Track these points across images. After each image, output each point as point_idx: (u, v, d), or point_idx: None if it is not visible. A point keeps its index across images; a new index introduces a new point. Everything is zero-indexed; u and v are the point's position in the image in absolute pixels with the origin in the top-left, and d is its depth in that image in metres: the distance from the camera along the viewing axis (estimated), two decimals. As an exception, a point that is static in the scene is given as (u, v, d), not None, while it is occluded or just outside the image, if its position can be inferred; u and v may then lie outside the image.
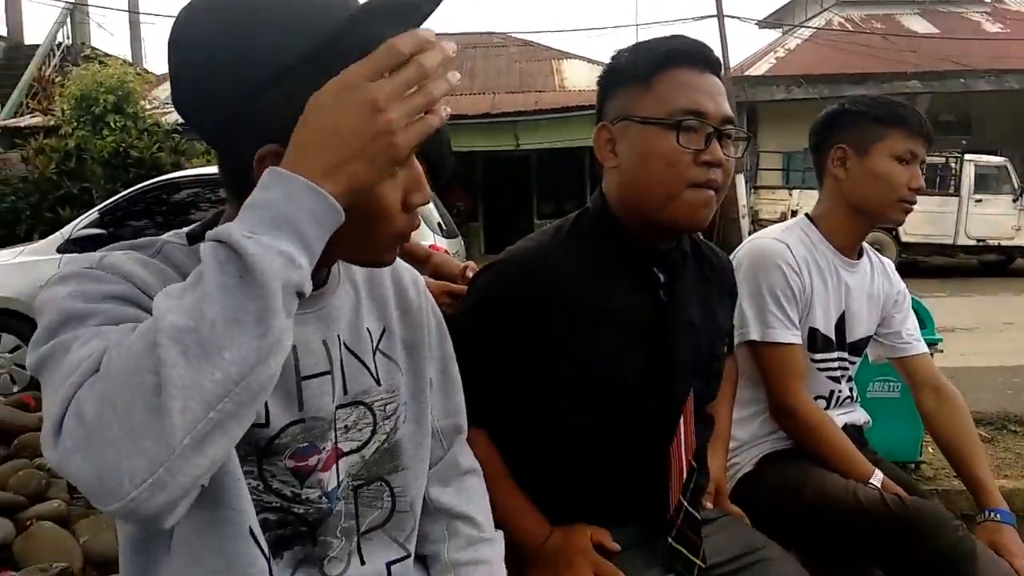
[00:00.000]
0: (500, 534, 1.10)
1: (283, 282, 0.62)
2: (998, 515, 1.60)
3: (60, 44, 15.15)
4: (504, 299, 1.22)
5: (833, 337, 1.72)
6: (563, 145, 14.42)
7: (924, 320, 4.29)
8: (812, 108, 13.22)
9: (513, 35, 18.75)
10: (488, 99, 15.54)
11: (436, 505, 1.06)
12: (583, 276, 1.22)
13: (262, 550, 0.81)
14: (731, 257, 1.58)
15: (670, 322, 1.24)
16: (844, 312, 1.72)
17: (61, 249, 5.25)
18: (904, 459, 3.58)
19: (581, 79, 15.96)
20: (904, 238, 13.37)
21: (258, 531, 0.80)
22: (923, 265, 14.25)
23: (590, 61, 17.52)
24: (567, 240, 1.27)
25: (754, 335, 1.64)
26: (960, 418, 1.76)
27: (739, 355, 1.65)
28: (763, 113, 15.59)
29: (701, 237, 1.41)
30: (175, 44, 0.77)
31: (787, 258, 1.65)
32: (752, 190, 14.12)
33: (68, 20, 15.47)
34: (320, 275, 0.90)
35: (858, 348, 1.78)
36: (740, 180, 14.42)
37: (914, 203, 1.66)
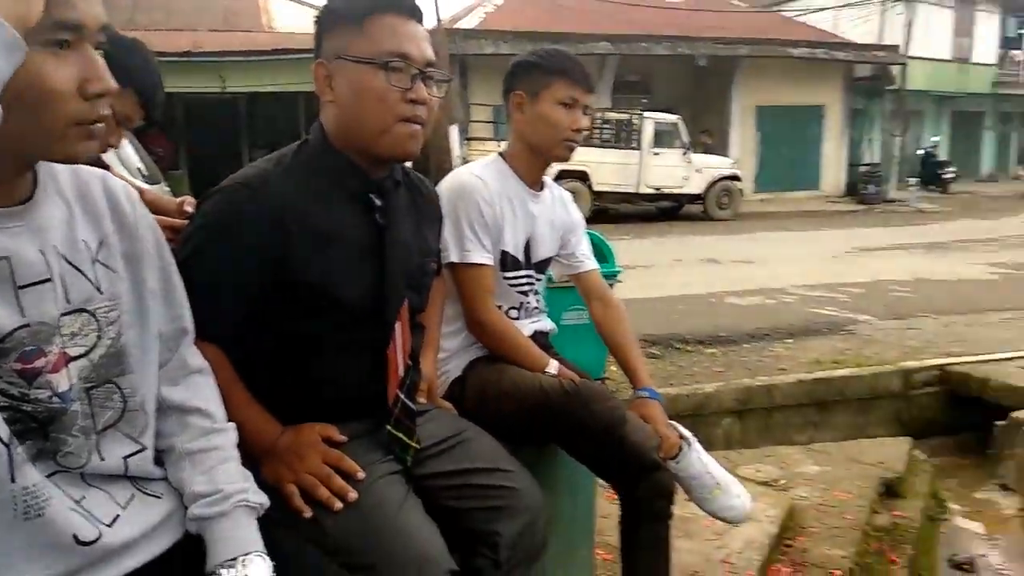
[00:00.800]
0: (232, 425, 1.21)
1: None
2: (647, 393, 2.00)
3: None
4: (234, 221, 1.31)
5: (521, 258, 2.00)
6: (275, 89, 13.85)
7: (607, 256, 4.94)
8: (516, 63, 13.91)
9: (213, -32, 17.33)
10: (188, 36, 14.36)
11: (168, 403, 1.15)
12: (307, 201, 1.35)
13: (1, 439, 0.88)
14: (437, 188, 1.79)
15: (387, 242, 1.41)
16: (530, 236, 2.01)
17: None
18: (593, 376, 4.14)
19: (292, 20, 15.35)
20: (596, 187, 14.79)
21: None
22: (612, 212, 15.88)
23: (299, 2, 16.85)
24: (290, 168, 1.38)
25: (454, 257, 1.86)
26: (621, 321, 2.13)
27: (444, 275, 1.86)
28: (474, 67, 16.17)
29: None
30: None
31: (482, 191, 1.89)
32: (465, 141, 14.68)
33: None
34: (24, 186, 0.96)
35: (542, 267, 2.08)
36: (453, 131, 14.87)
37: (577, 142, 1.93)
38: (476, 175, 1.92)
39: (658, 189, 15.60)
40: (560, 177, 14.14)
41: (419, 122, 1.36)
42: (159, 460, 1.13)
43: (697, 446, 1.96)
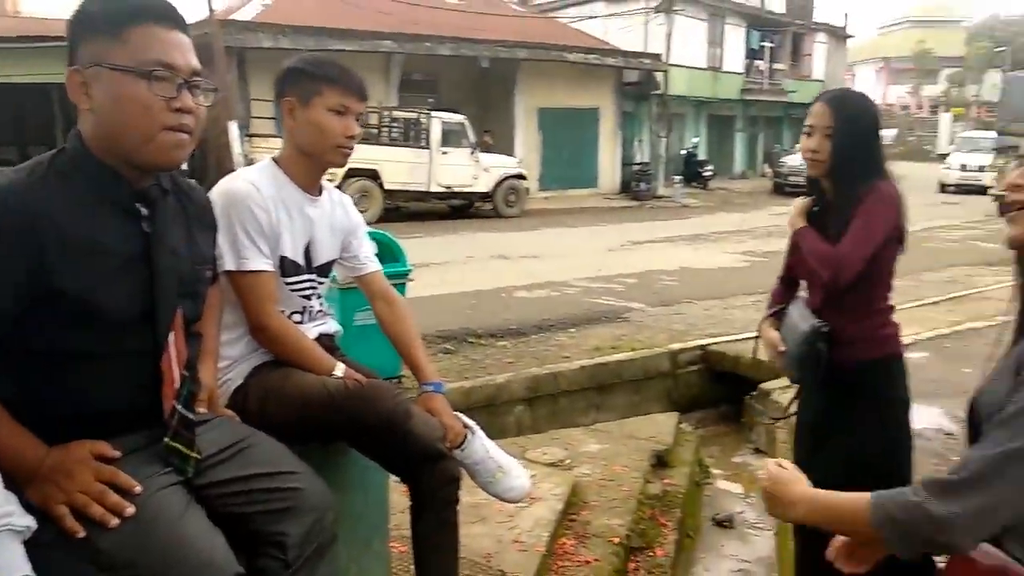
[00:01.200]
0: None
1: None
2: (432, 387, 2.09)
3: None
4: None
5: (302, 262, 2.00)
6: (22, 80, 12.46)
7: (397, 255, 5.01)
8: (298, 60, 13.49)
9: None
10: (-90, 16, 12.55)
11: None
12: (64, 211, 1.29)
13: None
14: (209, 195, 1.75)
15: (155, 250, 1.38)
16: (310, 240, 2.01)
17: None
18: (388, 375, 4.17)
19: (40, 4, 13.87)
20: (387, 186, 14.74)
21: None
22: (404, 210, 15.96)
23: (50, -15, 15.27)
24: (44, 178, 1.31)
25: (230, 265, 1.84)
26: (404, 319, 2.19)
27: (221, 283, 1.83)
28: (253, 60, 15.48)
29: (194, 182, 1.57)
30: None
31: (255, 197, 1.87)
32: (246, 138, 14.07)
33: None
34: None
35: (324, 270, 2.09)
36: (233, 128, 14.20)
37: (350, 149, 1.96)
38: (249, 181, 1.90)
39: (448, 187, 15.85)
40: (351, 175, 13.99)
41: (186, 131, 1.35)
42: None
43: (480, 433, 2.08)
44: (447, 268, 9.82)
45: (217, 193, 1.86)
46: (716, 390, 6.24)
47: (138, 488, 1.30)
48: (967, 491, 1.10)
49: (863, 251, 2.03)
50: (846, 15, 32.32)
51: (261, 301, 1.87)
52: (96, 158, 1.34)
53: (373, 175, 14.46)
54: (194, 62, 1.37)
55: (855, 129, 2.08)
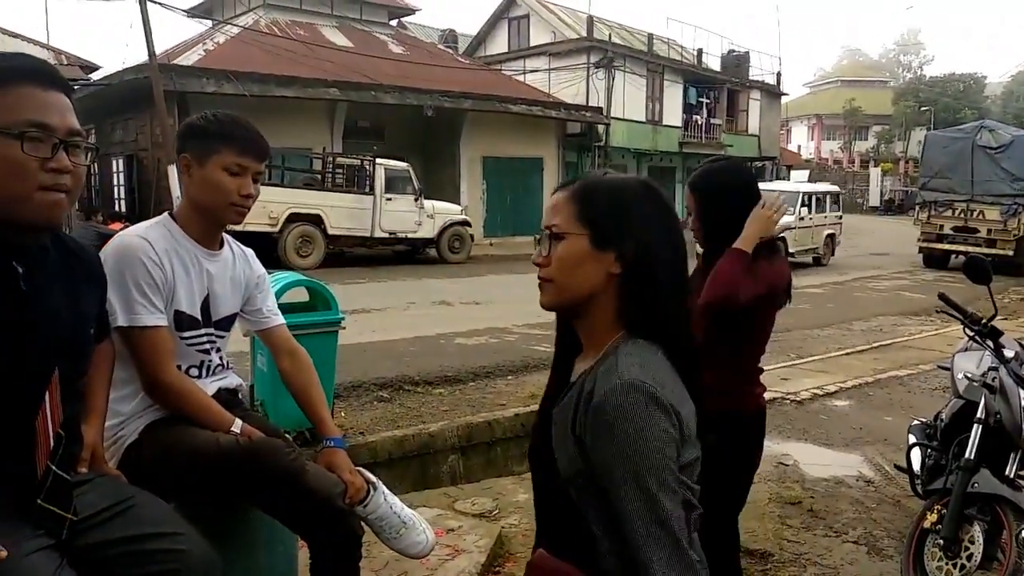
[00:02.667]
0: None
1: None
2: (332, 442, 2.06)
3: None
4: None
5: (199, 316, 1.97)
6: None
7: (330, 303, 4.96)
8: (242, 104, 13.46)
9: None
10: None
11: None
12: None
13: None
14: (100, 252, 1.73)
15: (29, 311, 1.35)
16: (208, 294, 1.99)
17: None
18: (306, 425, 4.07)
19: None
20: (330, 231, 14.70)
21: None
22: (349, 255, 15.88)
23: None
24: None
25: (122, 321, 1.81)
26: (307, 373, 2.17)
27: (114, 339, 1.80)
28: (194, 104, 15.35)
29: (67, 232, 1.54)
30: None
31: (148, 252, 1.85)
32: (185, 182, 13.89)
33: None
34: None
35: (225, 324, 2.06)
36: (173, 172, 14.02)
37: (246, 207, 1.95)
38: (141, 236, 1.89)
39: (392, 233, 15.85)
40: (293, 220, 13.90)
41: (63, 190, 1.34)
42: None
43: (383, 488, 2.05)
44: (388, 314, 9.75)
45: (110, 249, 1.84)
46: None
47: (3, 552, 1.25)
48: None
49: (711, 292, 2.08)
50: (778, 74, 33.32)
51: (156, 357, 1.84)
52: None
53: (317, 220, 14.40)
54: (72, 122, 1.36)
55: (719, 204, 2.18)
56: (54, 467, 1.36)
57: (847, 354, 7.78)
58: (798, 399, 5.91)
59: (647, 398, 1.11)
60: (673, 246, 1.22)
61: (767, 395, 6.17)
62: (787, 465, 4.48)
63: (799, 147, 54.32)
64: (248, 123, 1.96)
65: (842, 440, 4.99)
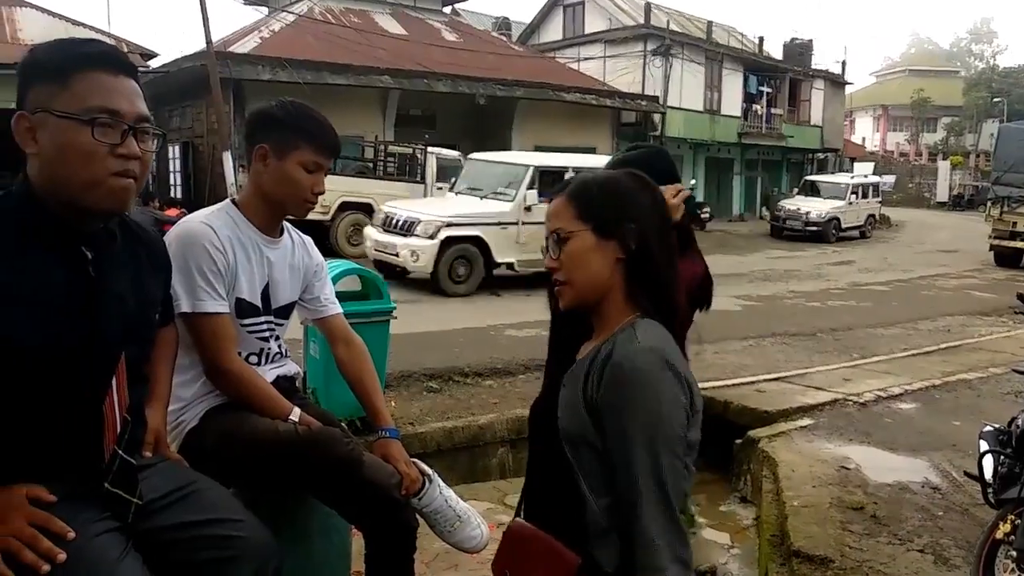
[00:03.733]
0: None
1: None
2: (387, 432, 2.05)
3: None
4: None
5: (259, 304, 1.97)
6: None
7: (382, 292, 4.98)
8: (296, 91, 13.60)
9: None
10: (-88, 41, 12.66)
11: None
12: (4, 256, 1.28)
13: None
14: (164, 237, 1.74)
15: (98, 295, 1.35)
16: (268, 282, 1.99)
17: None
18: (357, 414, 4.08)
19: (39, 32, 13.98)
20: (381, 219, 14.84)
21: None
22: (400, 243, 16.01)
23: (51, 13, 15.44)
24: None
25: (185, 307, 1.81)
26: (363, 362, 2.16)
27: (177, 325, 1.81)
28: (250, 91, 15.62)
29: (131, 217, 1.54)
30: None
31: (212, 239, 1.85)
32: (241, 167, 14.12)
33: None
34: None
35: (284, 312, 2.06)
36: (227, 158, 14.28)
37: (314, 203, 1.97)
38: (205, 222, 1.89)
39: (444, 222, 15.86)
40: (345, 208, 14.02)
41: (131, 176, 1.34)
42: None
43: (439, 481, 2.03)
44: (436, 303, 9.78)
45: (173, 235, 1.84)
46: (703, 436, 6.15)
47: (71, 534, 1.28)
48: None
49: None
50: (843, 63, 32.37)
51: (219, 343, 1.84)
52: (41, 202, 1.33)
53: (368, 209, 14.51)
54: (141, 108, 1.36)
55: None
56: (121, 451, 1.37)
57: (913, 355, 7.51)
58: (860, 401, 5.72)
59: (664, 363, 1.21)
60: (663, 226, 1.33)
61: (826, 396, 6.01)
62: (849, 469, 4.35)
63: (863, 139, 52.87)
64: (323, 118, 1.95)
65: (907, 444, 4.81)
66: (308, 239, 2.16)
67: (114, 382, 1.37)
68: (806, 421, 5.29)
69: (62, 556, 1.26)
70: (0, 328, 1.25)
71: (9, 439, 1.31)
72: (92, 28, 14.96)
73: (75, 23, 15.01)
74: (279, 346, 2.05)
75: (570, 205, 1.32)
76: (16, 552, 1.24)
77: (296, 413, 1.86)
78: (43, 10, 15.49)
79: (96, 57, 1.33)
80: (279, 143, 1.90)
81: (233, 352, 1.88)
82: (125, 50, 14.19)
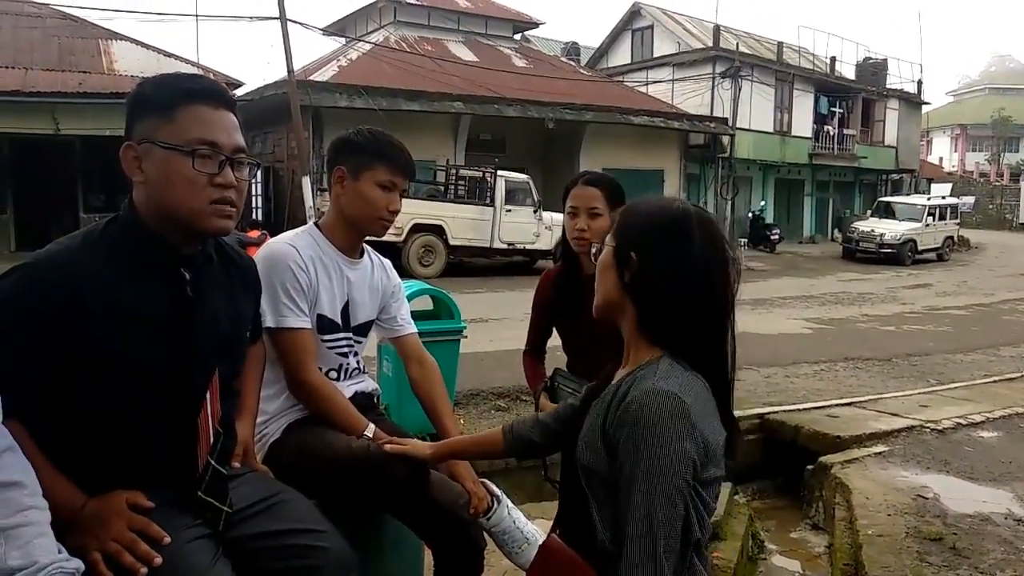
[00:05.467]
0: (45, 503, 1.22)
1: None
2: None
3: None
4: (27, 301, 1.31)
5: (339, 321, 2.06)
6: (115, 133, 13.18)
7: (453, 312, 5.08)
8: (372, 118, 14.04)
9: (52, 6, 16.41)
10: (18, 74, 13.51)
11: None
12: (110, 276, 1.38)
13: None
14: (254, 257, 1.84)
15: (195, 314, 1.45)
16: (348, 301, 2.08)
17: None
18: (427, 431, 4.14)
19: (134, 63, 14.77)
20: (451, 241, 15.01)
21: None
22: (468, 265, 16.15)
23: (144, 46, 16.26)
24: (97, 245, 1.41)
25: (269, 323, 1.91)
26: (435, 382, 2.22)
27: (264, 341, 1.90)
28: (328, 118, 16.13)
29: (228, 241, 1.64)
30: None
31: (295, 258, 1.95)
32: (319, 192, 14.56)
33: None
34: None
35: (362, 330, 2.15)
36: (306, 183, 14.74)
37: (391, 222, 2.04)
38: (289, 243, 1.99)
39: (511, 244, 15.99)
40: (417, 230, 14.29)
41: (229, 203, 1.43)
42: None
43: (507, 502, 2.05)
44: (505, 324, 9.82)
45: (260, 256, 1.94)
46: (774, 461, 6.04)
47: (167, 539, 1.35)
48: None
49: None
50: (919, 82, 31.28)
51: (300, 357, 1.93)
52: (146, 226, 1.43)
53: (439, 230, 14.75)
54: (238, 140, 1.46)
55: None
56: (213, 462, 1.46)
57: (995, 382, 7.20)
58: (939, 428, 5.52)
59: (674, 409, 1.20)
60: (679, 270, 1.30)
61: (902, 422, 5.79)
62: (926, 498, 4.20)
63: (940, 159, 50.99)
64: (399, 142, 2.04)
65: (989, 474, 4.62)
66: (387, 261, 2.25)
67: (208, 396, 1.46)
68: (881, 448, 5.14)
69: (158, 560, 1.32)
70: (110, 344, 1.35)
71: (111, 449, 1.40)
72: (183, 59, 15.68)
73: (167, 54, 15.75)
74: (358, 362, 2.14)
75: (611, 218, 1.42)
76: (116, 555, 1.31)
77: (371, 429, 1.93)
78: (137, 42, 16.33)
79: (199, 92, 1.43)
80: (355, 164, 1.99)
81: (313, 365, 1.96)
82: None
